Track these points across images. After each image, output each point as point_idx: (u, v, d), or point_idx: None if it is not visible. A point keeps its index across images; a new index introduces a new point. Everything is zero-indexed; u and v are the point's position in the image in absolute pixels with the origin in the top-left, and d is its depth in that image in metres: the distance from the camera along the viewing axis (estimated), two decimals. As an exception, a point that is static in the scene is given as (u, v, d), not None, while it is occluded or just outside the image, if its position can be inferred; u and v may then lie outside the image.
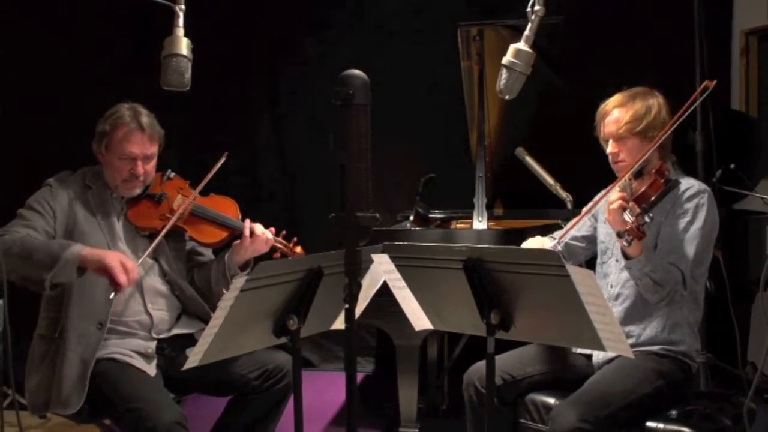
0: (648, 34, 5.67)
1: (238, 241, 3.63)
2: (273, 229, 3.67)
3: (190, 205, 3.57)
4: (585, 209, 3.59)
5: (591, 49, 5.70)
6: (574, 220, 3.55)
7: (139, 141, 3.47)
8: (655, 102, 3.34)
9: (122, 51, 5.96)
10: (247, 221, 3.62)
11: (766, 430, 2.51)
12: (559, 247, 3.54)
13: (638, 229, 2.99)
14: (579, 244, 3.66)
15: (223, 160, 3.55)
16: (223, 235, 3.66)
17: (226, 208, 3.71)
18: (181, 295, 3.61)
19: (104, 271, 3.22)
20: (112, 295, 3.27)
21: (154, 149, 3.54)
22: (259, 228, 3.61)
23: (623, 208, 3.06)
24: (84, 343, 3.29)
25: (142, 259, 3.42)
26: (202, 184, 3.60)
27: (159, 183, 3.65)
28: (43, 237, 3.34)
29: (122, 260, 3.24)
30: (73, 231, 3.42)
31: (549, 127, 4.66)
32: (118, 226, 3.53)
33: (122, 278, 3.20)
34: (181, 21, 2.93)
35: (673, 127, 3.27)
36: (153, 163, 3.56)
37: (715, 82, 3.21)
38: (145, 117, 3.51)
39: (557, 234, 3.65)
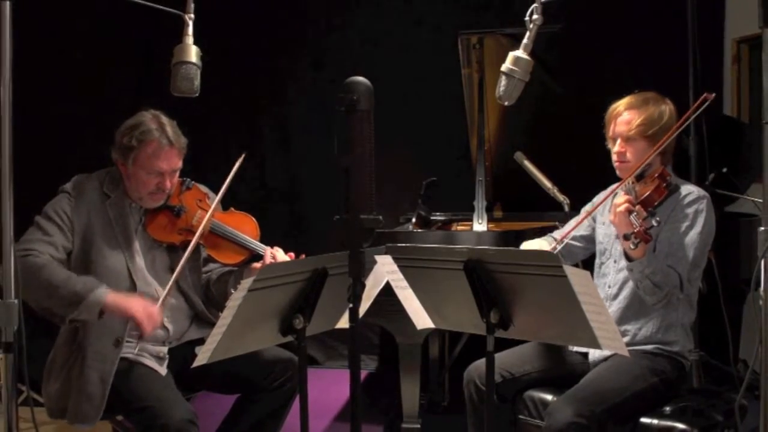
0: (643, 41, 5.67)
1: (257, 264, 3.50)
2: (292, 254, 3.50)
3: (209, 223, 3.46)
4: (586, 211, 3.59)
5: (587, 56, 5.70)
6: (574, 222, 3.55)
7: (168, 157, 3.36)
8: (667, 108, 3.34)
9: (134, 58, 5.97)
10: (268, 249, 3.49)
11: (756, 425, 2.50)
12: (559, 248, 3.54)
13: (645, 233, 2.99)
14: (577, 244, 3.66)
15: (237, 164, 3.42)
16: (242, 257, 3.54)
17: (246, 226, 3.58)
18: (193, 307, 3.56)
19: (128, 318, 3.20)
20: (137, 347, 3.30)
21: (180, 162, 3.44)
22: (280, 254, 3.47)
23: (630, 211, 3.06)
24: (101, 360, 3.24)
25: (162, 298, 3.30)
26: (219, 196, 3.50)
27: (178, 193, 3.53)
28: (63, 254, 3.29)
29: (146, 307, 3.19)
30: (90, 245, 3.34)
31: (547, 132, 4.67)
32: (136, 240, 3.44)
33: (148, 329, 3.18)
34: (190, 30, 2.93)
35: (674, 135, 3.27)
36: (177, 174, 3.48)
37: (714, 95, 3.22)
38: (170, 128, 3.39)
39: (557, 234, 3.66)
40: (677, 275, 3.15)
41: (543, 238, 3.69)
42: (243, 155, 3.45)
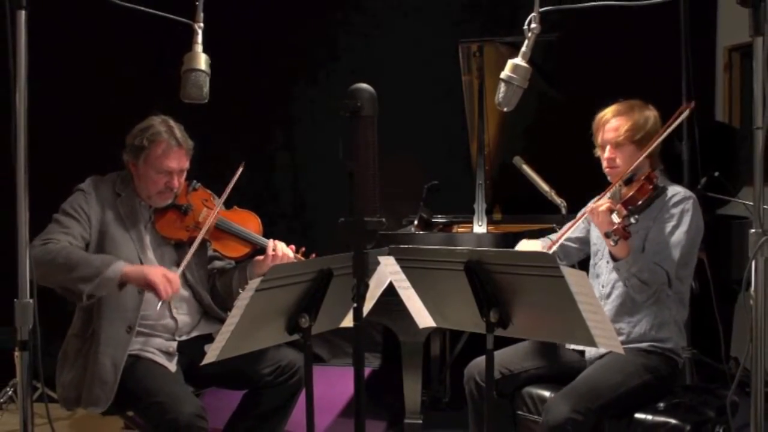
0: (638, 49, 5.67)
1: (260, 257, 3.57)
2: (293, 246, 3.59)
3: (215, 219, 3.52)
4: (580, 213, 3.59)
5: (584, 64, 5.70)
6: (569, 224, 3.55)
7: (177, 156, 3.44)
8: (652, 114, 3.37)
9: (144, 65, 5.96)
10: (271, 241, 3.56)
11: (747, 421, 2.50)
12: (555, 248, 3.54)
13: (624, 230, 3.03)
14: (573, 245, 3.66)
15: (240, 170, 3.46)
16: (246, 250, 3.61)
17: (250, 223, 3.65)
18: (201, 302, 3.60)
19: (149, 286, 3.24)
20: (159, 305, 3.30)
21: (188, 163, 3.52)
22: (281, 246, 3.55)
23: (611, 210, 3.08)
24: (113, 346, 3.27)
25: (181, 267, 3.39)
26: (224, 196, 3.52)
27: (185, 193, 3.59)
28: (81, 243, 3.33)
29: (165, 274, 3.24)
30: (104, 238, 3.39)
31: (544, 137, 4.66)
32: (146, 236, 3.49)
33: (167, 292, 3.22)
34: (199, 38, 2.92)
35: (660, 139, 3.28)
36: (184, 174, 3.54)
37: (693, 103, 3.23)
38: (179, 131, 3.48)
39: (553, 236, 3.65)
40: (664, 272, 3.17)
41: (539, 240, 3.69)
42: (242, 165, 3.48)
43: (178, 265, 3.48)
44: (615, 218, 3.06)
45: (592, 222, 3.32)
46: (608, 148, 3.38)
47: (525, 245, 3.61)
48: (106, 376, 3.24)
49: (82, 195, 3.43)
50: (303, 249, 3.63)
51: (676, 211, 3.28)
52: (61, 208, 3.40)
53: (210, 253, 3.73)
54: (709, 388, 3.58)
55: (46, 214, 3.34)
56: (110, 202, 3.46)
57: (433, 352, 4.97)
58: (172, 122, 3.50)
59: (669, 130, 3.28)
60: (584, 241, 3.65)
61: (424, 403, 4.55)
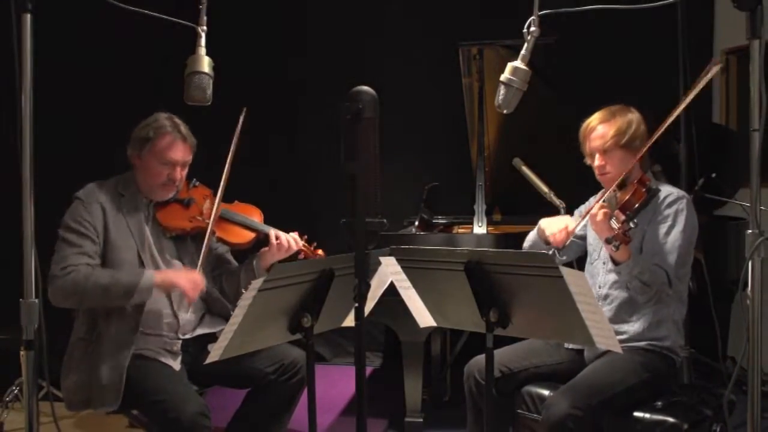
0: (636, 52, 5.67)
1: (265, 248, 3.60)
2: (297, 232, 3.64)
3: (219, 207, 3.53)
4: (581, 213, 3.58)
5: (583, 66, 5.70)
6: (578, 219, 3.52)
7: (181, 149, 3.47)
8: (634, 117, 3.37)
9: (148, 69, 5.96)
10: (274, 230, 3.61)
11: (744, 420, 2.49)
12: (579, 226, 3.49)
13: (624, 234, 3.03)
14: (576, 240, 3.65)
15: (242, 117, 3.53)
16: (251, 236, 3.63)
17: (252, 214, 3.71)
18: (207, 297, 3.58)
19: (176, 290, 3.38)
20: (189, 311, 3.46)
21: (191, 157, 3.55)
22: (283, 234, 3.59)
23: (608, 217, 3.08)
24: (118, 348, 3.27)
25: (199, 264, 3.43)
26: (229, 161, 3.51)
27: (186, 189, 3.62)
28: (97, 260, 3.34)
29: (190, 278, 3.34)
30: (107, 241, 3.39)
31: (544, 139, 4.65)
32: (147, 230, 3.49)
33: (194, 295, 3.34)
34: (203, 41, 2.92)
35: (687, 101, 3.22)
36: (187, 169, 3.56)
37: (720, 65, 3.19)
38: (183, 127, 3.52)
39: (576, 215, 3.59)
40: (664, 273, 3.16)
41: (569, 216, 3.61)
42: (244, 110, 3.54)
43: (179, 258, 3.53)
44: (614, 224, 3.06)
45: (592, 229, 3.30)
46: (597, 156, 3.38)
47: (549, 222, 3.56)
48: (111, 378, 3.23)
49: (81, 205, 3.40)
50: (306, 237, 3.69)
51: (670, 211, 3.28)
52: (64, 223, 3.37)
53: (217, 251, 3.74)
54: (706, 386, 3.58)
55: (49, 213, 3.33)
56: (111, 203, 3.44)
57: (434, 351, 4.98)
58: (177, 119, 3.54)
59: (697, 89, 3.21)
60: (584, 239, 3.64)
61: (425, 401, 4.56)
